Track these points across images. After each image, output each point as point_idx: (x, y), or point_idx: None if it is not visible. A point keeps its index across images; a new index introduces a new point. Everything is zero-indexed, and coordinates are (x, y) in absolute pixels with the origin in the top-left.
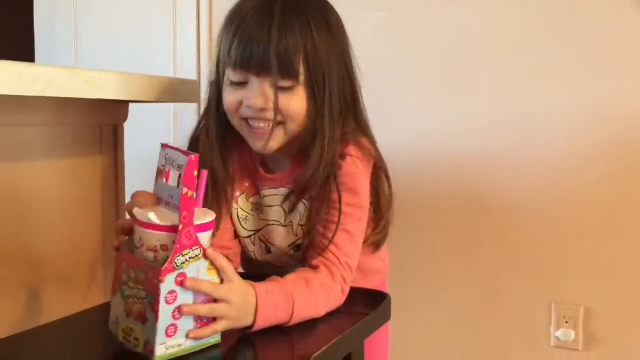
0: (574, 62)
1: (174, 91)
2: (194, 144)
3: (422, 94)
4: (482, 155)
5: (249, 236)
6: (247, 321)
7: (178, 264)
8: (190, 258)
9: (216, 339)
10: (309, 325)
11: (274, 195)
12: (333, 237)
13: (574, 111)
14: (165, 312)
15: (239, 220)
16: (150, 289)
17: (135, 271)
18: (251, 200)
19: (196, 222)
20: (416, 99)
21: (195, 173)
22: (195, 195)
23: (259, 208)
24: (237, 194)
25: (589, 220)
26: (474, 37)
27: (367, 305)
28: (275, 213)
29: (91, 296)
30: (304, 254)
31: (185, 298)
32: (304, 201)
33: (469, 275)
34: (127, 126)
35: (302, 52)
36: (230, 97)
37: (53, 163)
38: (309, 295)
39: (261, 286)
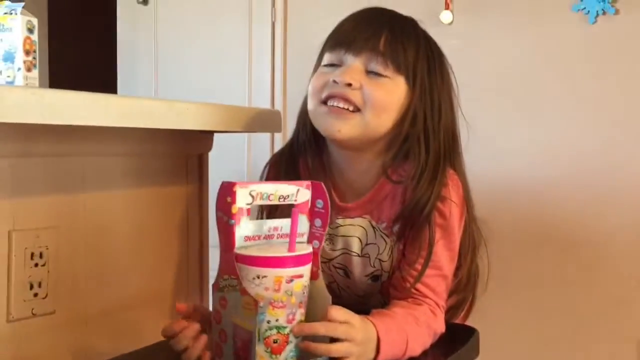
0: None
1: (258, 121)
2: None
3: (500, 121)
4: (567, 185)
5: (324, 262)
6: (368, 357)
7: (221, 286)
8: (229, 285)
9: None
10: None
11: (350, 225)
12: (429, 280)
13: None
14: (215, 328)
15: None
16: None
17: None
18: None
19: (241, 252)
20: (495, 127)
21: (229, 199)
22: (231, 222)
23: (328, 238)
24: None
25: None
26: (554, 62)
27: (456, 340)
28: (351, 244)
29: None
30: (390, 289)
31: (227, 326)
32: (385, 235)
33: (552, 311)
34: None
35: (414, 48)
36: (317, 79)
37: (142, 192)
38: (419, 333)
39: (380, 323)
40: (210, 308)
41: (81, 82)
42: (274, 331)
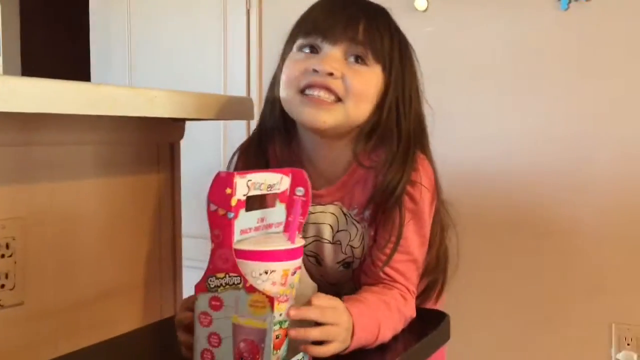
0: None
1: (229, 109)
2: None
3: (475, 108)
4: (541, 173)
5: None
6: (342, 342)
7: (211, 286)
8: (226, 284)
9: None
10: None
11: (321, 213)
12: (399, 265)
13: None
14: (200, 333)
15: None
16: None
17: None
18: None
19: (244, 247)
20: (469, 114)
21: (228, 191)
22: (230, 215)
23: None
24: None
25: None
26: (528, 49)
27: (426, 325)
28: (322, 231)
29: (149, 312)
30: (362, 275)
31: (221, 328)
32: (356, 222)
33: (526, 295)
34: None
35: (388, 37)
36: (293, 66)
37: (112, 181)
38: (390, 318)
39: (353, 308)
40: (179, 312)
41: (54, 71)
42: (277, 326)
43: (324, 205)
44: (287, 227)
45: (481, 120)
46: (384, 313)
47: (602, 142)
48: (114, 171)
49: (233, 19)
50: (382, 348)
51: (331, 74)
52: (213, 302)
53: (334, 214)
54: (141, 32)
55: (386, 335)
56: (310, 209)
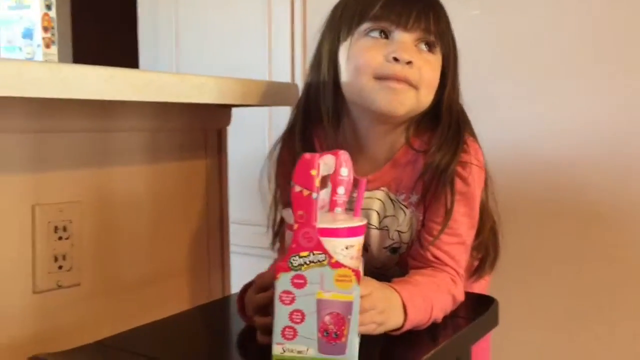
0: None
1: (275, 94)
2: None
3: (517, 93)
4: (585, 159)
5: None
6: (393, 324)
7: (294, 265)
8: (310, 262)
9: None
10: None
11: (368, 199)
12: (448, 248)
13: None
14: (281, 311)
15: None
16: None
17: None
18: None
19: (326, 226)
20: (512, 99)
21: (314, 172)
22: (314, 195)
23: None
24: None
25: None
26: (571, 34)
27: (474, 310)
28: (369, 217)
29: (198, 295)
30: (409, 259)
31: (305, 305)
32: (404, 206)
33: (574, 286)
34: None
35: (449, 27)
36: (366, 52)
37: (161, 167)
38: (441, 299)
39: (403, 290)
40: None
41: (104, 59)
42: None
43: (371, 190)
44: (358, 204)
45: (526, 105)
46: (435, 294)
47: None
48: (162, 157)
49: (277, 6)
50: (432, 331)
51: (410, 62)
52: (296, 280)
53: (380, 199)
54: (188, 22)
55: (438, 315)
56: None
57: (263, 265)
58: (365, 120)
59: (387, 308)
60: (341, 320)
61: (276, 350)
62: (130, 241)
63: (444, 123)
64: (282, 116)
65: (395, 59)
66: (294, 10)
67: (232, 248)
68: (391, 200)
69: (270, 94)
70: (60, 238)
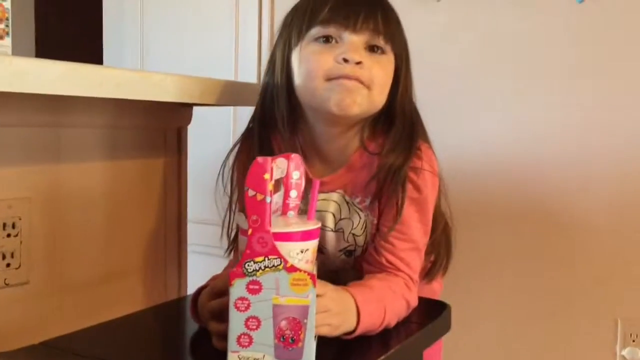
0: None
1: (238, 94)
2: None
3: (484, 99)
4: (548, 164)
5: None
6: (347, 327)
7: (249, 270)
8: (265, 267)
9: None
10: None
11: (323, 200)
12: (403, 254)
13: None
14: (236, 318)
15: None
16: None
17: None
18: None
19: (281, 230)
20: (478, 105)
21: (267, 176)
22: (268, 200)
23: (302, 215)
24: None
25: None
26: (541, 41)
27: (427, 315)
28: (324, 219)
29: (154, 294)
30: (364, 264)
31: (261, 311)
32: (359, 210)
33: (530, 289)
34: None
35: (400, 27)
36: (316, 57)
37: (118, 164)
38: (396, 304)
39: (358, 294)
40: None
41: (67, 54)
42: None
43: (327, 193)
44: (312, 208)
45: (489, 112)
46: (389, 299)
47: (608, 135)
48: (120, 155)
49: (245, 4)
50: (384, 335)
51: (360, 63)
52: (251, 286)
53: (336, 202)
54: (154, 17)
55: (392, 320)
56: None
57: (221, 265)
58: (320, 123)
59: (341, 311)
60: (298, 324)
61: (231, 358)
62: (83, 239)
63: (397, 124)
64: (246, 116)
65: (345, 60)
66: (261, 9)
67: (190, 247)
68: (347, 202)
69: (233, 94)
70: (8, 235)
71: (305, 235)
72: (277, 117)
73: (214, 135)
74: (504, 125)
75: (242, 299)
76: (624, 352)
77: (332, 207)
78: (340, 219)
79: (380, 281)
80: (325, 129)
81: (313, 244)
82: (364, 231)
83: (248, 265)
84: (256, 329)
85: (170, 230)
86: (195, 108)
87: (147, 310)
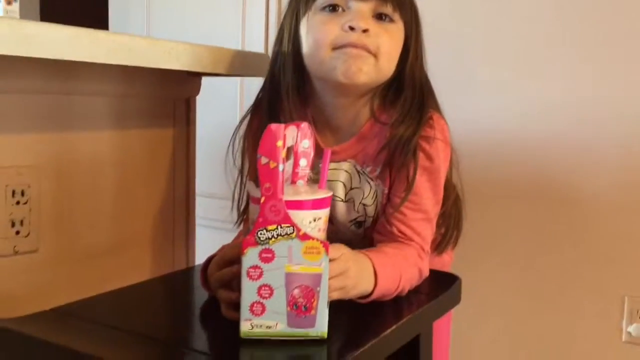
0: None
1: (247, 64)
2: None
3: (492, 76)
4: (556, 141)
5: None
6: (364, 289)
7: (262, 239)
8: (278, 235)
9: (320, 332)
10: (378, 302)
11: (334, 170)
12: (414, 224)
13: None
14: (249, 287)
15: None
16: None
17: None
18: None
19: (293, 198)
20: (488, 80)
21: (279, 143)
22: (281, 167)
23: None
24: None
25: None
26: (551, 17)
27: (437, 287)
28: (335, 188)
29: (161, 266)
30: (375, 234)
31: (273, 279)
32: (370, 179)
33: (537, 266)
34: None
35: None
36: (323, 26)
37: (127, 133)
38: (409, 272)
39: (375, 257)
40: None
41: (72, 20)
42: None
43: (337, 162)
44: (323, 176)
45: (497, 88)
46: (404, 266)
47: (620, 111)
48: (129, 124)
49: None
50: (395, 304)
51: (366, 31)
52: (264, 255)
53: (347, 171)
54: None
55: (405, 287)
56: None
57: (229, 239)
58: (329, 94)
59: (358, 271)
60: (310, 292)
61: (244, 327)
62: (91, 208)
63: (406, 93)
64: (254, 88)
65: (351, 28)
66: None
67: (198, 221)
68: (358, 172)
69: (241, 64)
70: (18, 202)
71: (318, 204)
72: (286, 87)
73: (221, 107)
74: (510, 100)
75: (254, 267)
76: (630, 329)
77: (343, 177)
78: (351, 189)
79: (393, 249)
80: (335, 99)
81: (325, 213)
82: (374, 201)
83: (261, 234)
84: (269, 297)
85: (179, 201)
86: (203, 79)
87: (155, 280)
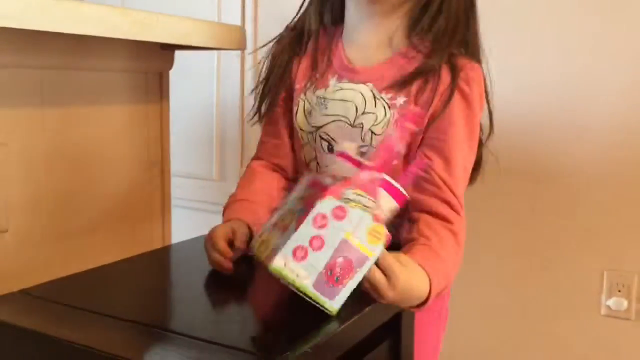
0: None
1: (221, 37)
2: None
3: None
4: (540, 117)
5: (311, 132)
6: (410, 304)
7: (345, 196)
8: (359, 202)
9: (334, 308)
10: None
11: (349, 90)
12: (455, 190)
13: None
14: (306, 230)
15: (304, 113)
16: (308, 204)
17: (309, 190)
18: (317, 92)
19: (392, 181)
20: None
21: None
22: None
23: (322, 102)
24: (304, 84)
25: None
26: None
27: None
28: (346, 109)
29: (137, 245)
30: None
31: (330, 237)
32: (387, 105)
33: (519, 241)
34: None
35: None
36: None
37: (99, 108)
38: (455, 268)
39: (434, 273)
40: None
41: None
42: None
43: (355, 83)
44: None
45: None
46: (452, 271)
47: (605, 84)
48: (101, 99)
49: None
50: None
51: None
52: (337, 211)
53: (362, 93)
54: None
55: (452, 279)
56: (341, 84)
57: (206, 219)
58: (358, 11)
59: (403, 298)
60: (350, 268)
61: (278, 262)
62: (62, 187)
63: (440, 21)
64: (230, 64)
65: None
66: None
67: (175, 202)
68: (374, 96)
69: (215, 36)
70: None
71: (402, 200)
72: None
73: (196, 85)
74: (501, 74)
75: (323, 216)
76: (609, 302)
77: (357, 99)
78: (363, 113)
79: (445, 248)
80: (363, 11)
81: (396, 212)
82: (383, 131)
83: (348, 192)
84: (316, 250)
85: (155, 178)
86: (179, 55)
87: (129, 259)
